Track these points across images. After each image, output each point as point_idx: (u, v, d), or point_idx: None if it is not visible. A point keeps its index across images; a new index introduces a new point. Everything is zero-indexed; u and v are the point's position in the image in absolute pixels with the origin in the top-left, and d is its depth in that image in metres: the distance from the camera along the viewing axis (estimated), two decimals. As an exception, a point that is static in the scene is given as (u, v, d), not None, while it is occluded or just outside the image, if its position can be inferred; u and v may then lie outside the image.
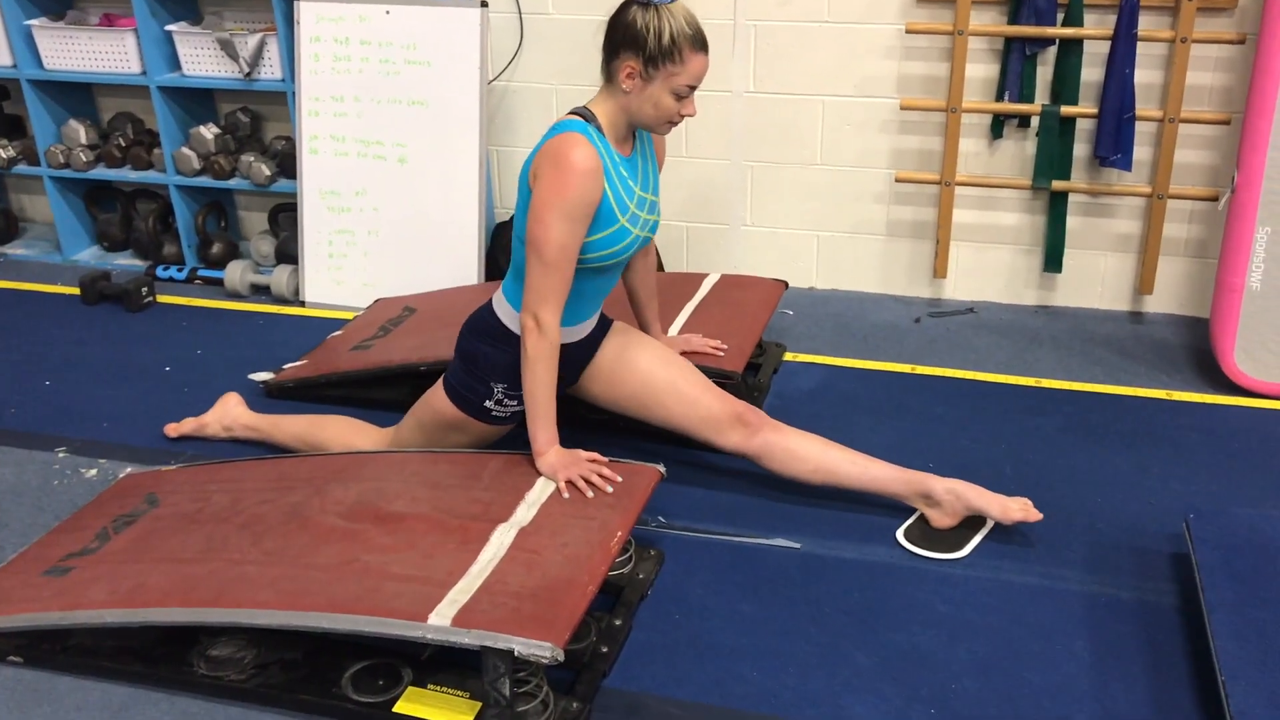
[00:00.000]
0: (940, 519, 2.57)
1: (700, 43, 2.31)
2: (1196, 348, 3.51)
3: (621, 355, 2.64)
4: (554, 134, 2.34)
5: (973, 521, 2.58)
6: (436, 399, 2.63)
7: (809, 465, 2.59)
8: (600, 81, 2.41)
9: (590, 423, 2.92)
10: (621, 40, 2.29)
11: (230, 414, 3.04)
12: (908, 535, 2.57)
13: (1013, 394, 3.25)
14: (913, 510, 2.62)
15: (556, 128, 2.36)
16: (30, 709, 2.12)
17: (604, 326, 2.68)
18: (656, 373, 2.62)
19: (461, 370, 2.57)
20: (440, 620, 1.92)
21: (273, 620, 2.03)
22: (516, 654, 1.87)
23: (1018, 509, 2.50)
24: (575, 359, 2.61)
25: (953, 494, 2.54)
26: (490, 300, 2.58)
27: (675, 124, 2.40)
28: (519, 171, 2.45)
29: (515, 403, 2.55)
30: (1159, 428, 3.04)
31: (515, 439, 2.53)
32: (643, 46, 2.27)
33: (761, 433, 2.60)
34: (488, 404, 2.54)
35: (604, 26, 2.34)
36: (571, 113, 2.40)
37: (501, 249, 3.98)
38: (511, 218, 4.07)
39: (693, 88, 2.33)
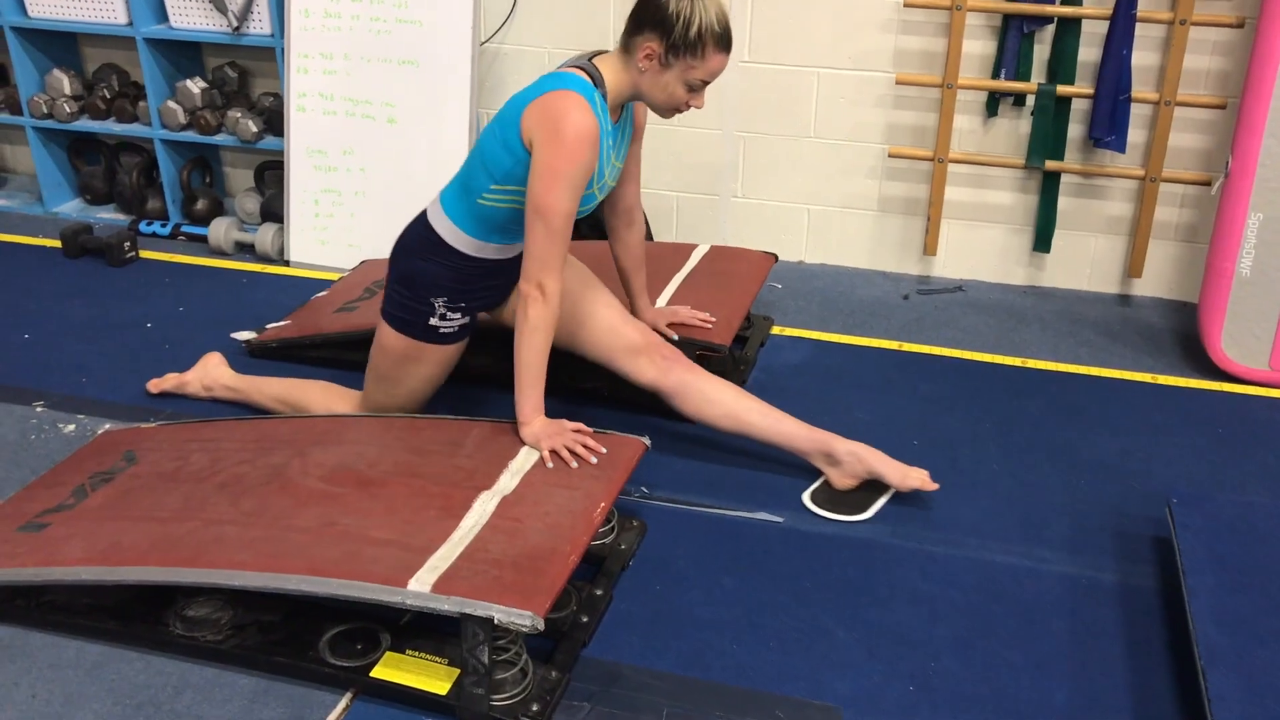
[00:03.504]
0: (841, 479, 2.61)
1: (726, 42, 2.30)
2: (1183, 332, 3.51)
3: None
4: (557, 86, 2.30)
5: (876, 486, 2.62)
6: (383, 337, 2.61)
7: (720, 409, 2.61)
8: (617, 45, 2.39)
9: (576, 392, 2.91)
10: (650, 20, 2.27)
11: (211, 374, 3.01)
12: (814, 498, 2.61)
13: (999, 373, 3.24)
14: (818, 472, 2.67)
15: (560, 80, 2.32)
16: (3, 665, 2.10)
17: None
18: (580, 299, 2.62)
19: (400, 295, 2.55)
20: (420, 586, 1.91)
21: (250, 582, 2.01)
22: (496, 622, 1.86)
23: (916, 478, 2.55)
24: (507, 273, 2.58)
25: (854, 455, 2.59)
26: (423, 215, 2.55)
27: (681, 112, 2.40)
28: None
29: (458, 315, 2.55)
30: (1144, 411, 3.04)
31: (501, 406, 2.51)
32: (669, 32, 2.25)
33: (677, 370, 2.62)
34: (432, 321, 2.52)
35: None
36: (577, 67, 2.36)
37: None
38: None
39: (706, 83, 2.33)
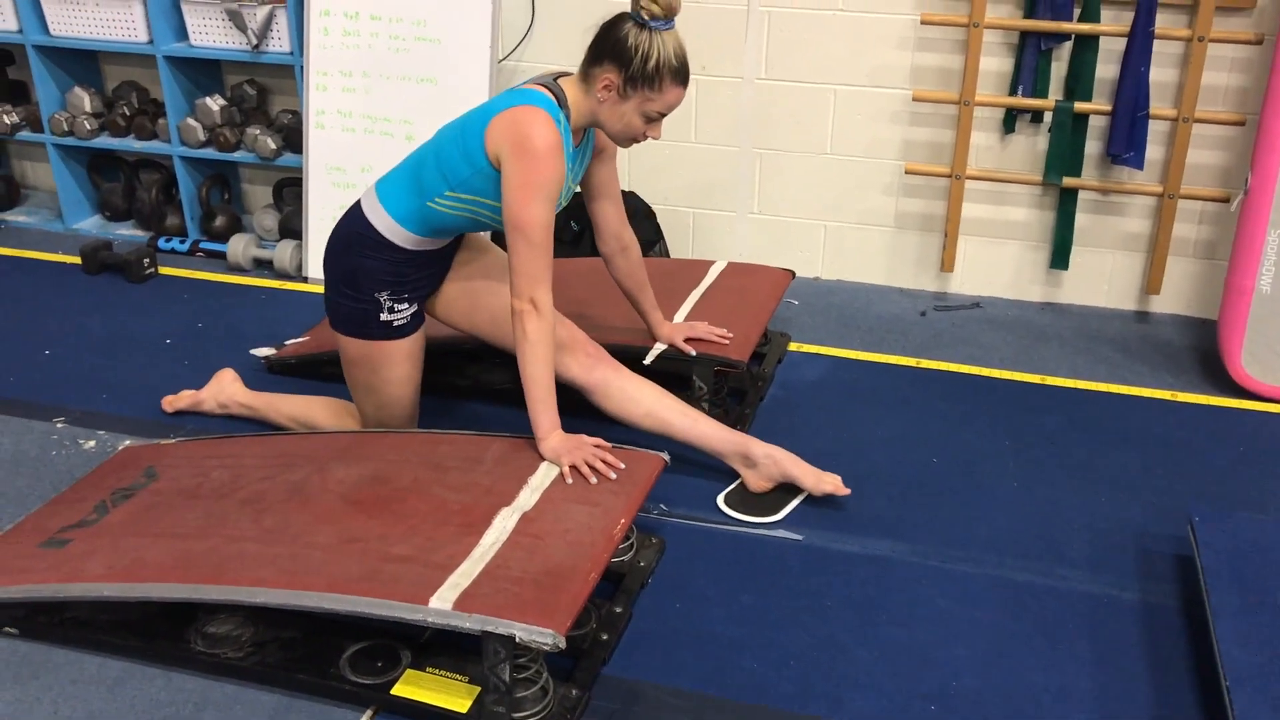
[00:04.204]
0: (756, 481, 2.65)
1: (682, 76, 2.33)
2: (1202, 349, 3.49)
3: (473, 278, 2.65)
4: (523, 102, 2.33)
5: (789, 489, 2.66)
6: (345, 348, 2.62)
7: (642, 409, 2.62)
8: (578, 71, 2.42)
9: (593, 409, 2.90)
10: (609, 51, 2.31)
11: (226, 391, 3.02)
12: (727, 500, 2.66)
13: (1017, 390, 3.23)
14: (735, 475, 2.71)
15: (526, 96, 2.34)
16: (26, 681, 2.11)
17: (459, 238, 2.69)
18: (507, 296, 2.61)
19: (345, 298, 2.55)
20: (441, 604, 1.91)
21: (272, 599, 2.01)
22: (518, 640, 1.86)
23: (829, 483, 2.61)
24: (442, 260, 2.62)
25: (770, 458, 2.62)
26: (357, 210, 2.55)
27: (638, 142, 2.43)
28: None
29: (405, 304, 2.56)
30: (1163, 428, 3.03)
31: (519, 422, 2.52)
32: (627, 64, 2.29)
33: (600, 367, 2.63)
34: (384, 317, 2.54)
35: (596, 26, 2.35)
36: (543, 85, 2.38)
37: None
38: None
39: (663, 115, 2.36)
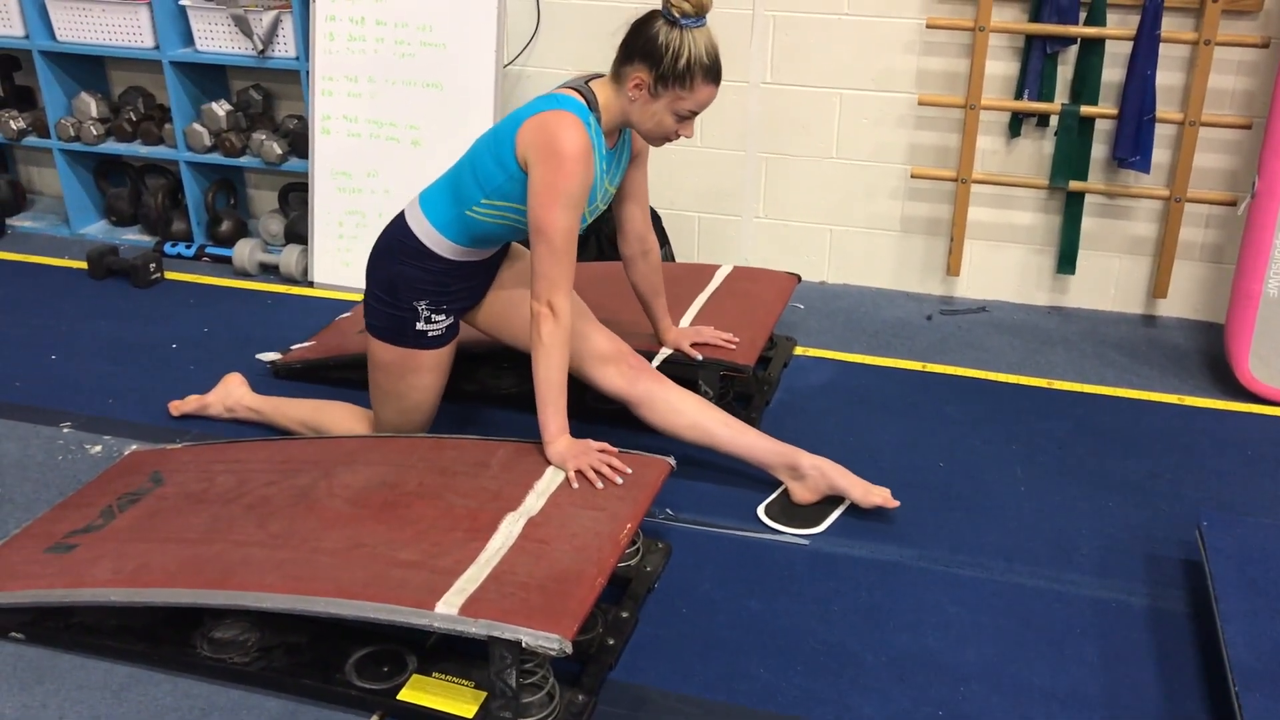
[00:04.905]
0: (803, 494, 2.61)
1: (714, 74, 2.32)
2: (1210, 353, 3.48)
3: (515, 288, 2.64)
4: (552, 107, 2.33)
5: (832, 500, 2.63)
6: (376, 353, 2.62)
7: (686, 420, 2.60)
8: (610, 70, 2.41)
9: (601, 413, 2.90)
10: (640, 50, 2.29)
11: (233, 395, 3.02)
12: (768, 511, 2.62)
13: (1024, 395, 3.23)
14: (778, 484, 2.68)
15: (555, 101, 2.34)
16: (32, 686, 2.11)
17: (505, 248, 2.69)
18: None
19: (383, 304, 2.55)
20: (448, 609, 1.91)
21: (278, 604, 2.01)
22: (524, 645, 1.85)
23: (878, 496, 2.58)
24: (486, 272, 2.62)
25: (818, 470, 2.60)
26: (401, 219, 2.55)
27: (670, 140, 2.42)
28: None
29: (442, 316, 2.56)
30: (1171, 433, 3.02)
31: (526, 427, 2.52)
32: (658, 63, 2.27)
33: (644, 379, 2.61)
34: (419, 326, 2.53)
35: (627, 24, 2.33)
36: (574, 89, 2.38)
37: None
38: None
39: (695, 113, 2.35)
